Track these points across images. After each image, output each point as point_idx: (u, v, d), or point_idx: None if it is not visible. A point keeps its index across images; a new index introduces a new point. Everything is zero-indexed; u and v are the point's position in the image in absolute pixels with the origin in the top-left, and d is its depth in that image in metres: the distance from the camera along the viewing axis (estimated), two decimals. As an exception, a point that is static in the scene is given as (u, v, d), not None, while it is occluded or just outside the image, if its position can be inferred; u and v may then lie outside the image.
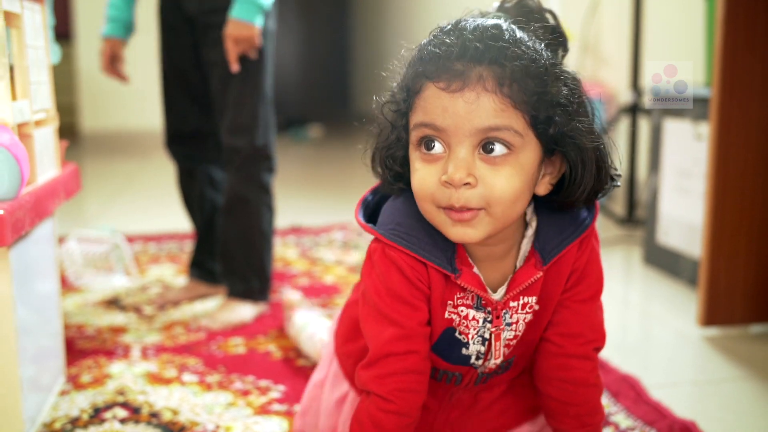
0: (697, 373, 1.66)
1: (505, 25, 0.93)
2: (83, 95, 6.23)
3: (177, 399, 1.47)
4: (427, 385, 1.04)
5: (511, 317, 1.05)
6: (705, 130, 2.13)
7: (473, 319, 1.03)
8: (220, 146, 1.96)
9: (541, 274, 1.02)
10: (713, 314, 1.86)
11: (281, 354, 1.69)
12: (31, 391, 1.32)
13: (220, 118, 1.90)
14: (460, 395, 1.15)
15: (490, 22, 0.94)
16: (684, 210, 2.28)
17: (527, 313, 1.05)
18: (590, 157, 0.95)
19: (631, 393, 1.49)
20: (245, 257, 1.94)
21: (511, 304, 1.04)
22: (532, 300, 1.04)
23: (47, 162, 1.40)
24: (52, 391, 1.47)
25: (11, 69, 1.23)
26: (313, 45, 8.44)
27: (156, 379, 1.56)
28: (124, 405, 1.44)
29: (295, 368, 1.61)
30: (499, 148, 0.91)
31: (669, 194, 2.36)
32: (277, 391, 1.50)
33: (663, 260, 2.39)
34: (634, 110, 2.88)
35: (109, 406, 1.43)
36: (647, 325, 1.97)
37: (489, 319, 1.04)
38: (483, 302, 1.03)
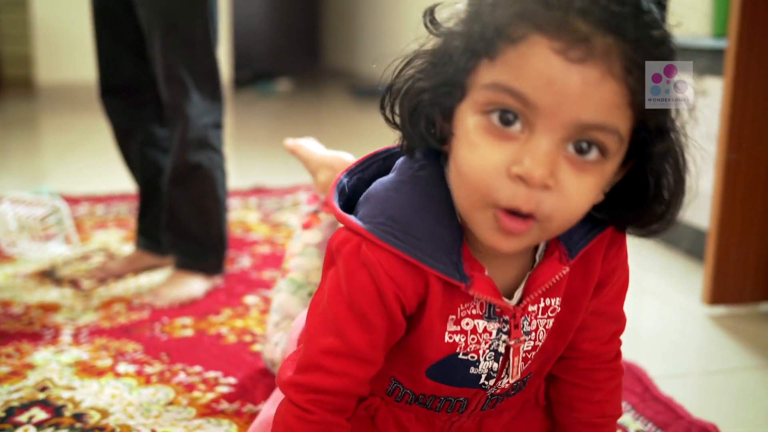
0: (708, 362, 1.47)
1: None
2: (39, 45, 5.91)
3: (108, 396, 1.24)
4: (355, 405, 0.83)
5: (530, 324, 0.83)
6: (712, 85, 1.92)
7: (484, 331, 0.81)
8: (160, 100, 1.70)
9: (568, 269, 0.80)
10: (721, 292, 1.66)
11: (234, 338, 1.47)
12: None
13: (154, 68, 1.65)
14: (461, 423, 0.92)
15: None
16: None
17: (549, 317, 0.84)
18: (672, 182, 0.75)
19: (638, 387, 1.30)
20: (198, 227, 1.72)
21: (530, 308, 0.82)
22: (555, 302, 0.83)
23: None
24: (-39, 385, 1.24)
25: None
26: (282, -6, 8.10)
27: (86, 370, 1.33)
28: (44, 404, 1.21)
29: (250, 356, 1.39)
30: (594, 152, 0.69)
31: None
32: (226, 384, 1.28)
33: (659, 228, 2.18)
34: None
35: (25, 407, 1.20)
36: (645, 302, 1.77)
37: (505, 330, 0.82)
38: (497, 310, 0.81)
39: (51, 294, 1.69)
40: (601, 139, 0.68)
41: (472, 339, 0.81)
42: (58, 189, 2.17)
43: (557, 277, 0.80)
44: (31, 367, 1.34)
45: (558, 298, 0.83)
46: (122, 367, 1.34)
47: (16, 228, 2.03)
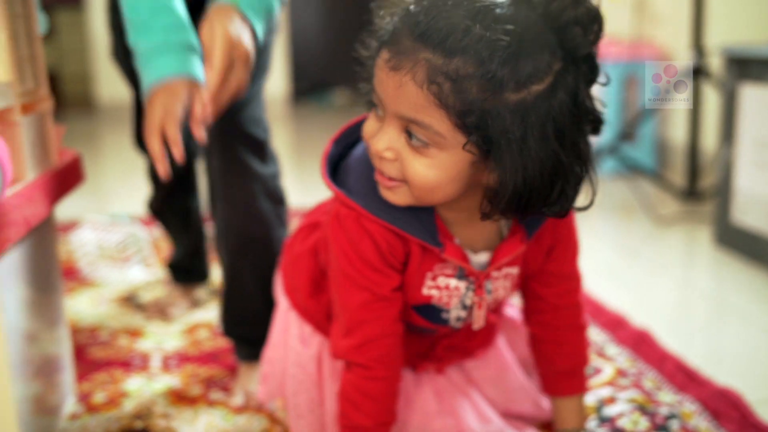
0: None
1: (489, 4, 0.83)
2: (99, 63, 6.02)
3: (203, 424, 1.26)
4: (403, 343, 1.06)
5: (492, 285, 1.06)
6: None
7: (455, 288, 1.04)
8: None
9: (525, 247, 1.03)
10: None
11: (320, 363, 1.47)
12: (32, 415, 1.11)
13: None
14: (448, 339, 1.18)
15: None
16: (765, 186, 2.03)
17: (508, 280, 1.08)
18: (527, 175, 0.86)
19: (735, 413, 1.26)
20: (265, 303, 1.38)
21: (494, 274, 1.05)
22: (514, 270, 1.07)
23: (40, 153, 1.18)
24: (61, 414, 1.27)
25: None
26: (337, 2, 8.14)
27: (179, 398, 1.35)
28: (142, 433, 1.23)
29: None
30: (419, 140, 0.87)
31: (746, 168, 2.10)
32: (318, 413, 1.29)
33: (739, 242, 2.13)
34: (696, 74, 2.61)
35: (124, 435, 1.22)
36: (729, 320, 1.73)
37: (471, 288, 1.05)
38: (466, 272, 1.03)
39: (135, 320, 1.72)
40: (419, 130, 0.86)
41: (445, 293, 1.04)
42: (124, 210, 2.19)
43: (517, 253, 1.03)
44: (125, 395, 1.36)
45: (517, 267, 1.07)
46: (214, 395, 1.35)
47: (97, 253, 2.07)
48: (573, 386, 1.16)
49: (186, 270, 1.80)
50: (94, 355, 1.53)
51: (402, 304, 1.04)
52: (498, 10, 0.83)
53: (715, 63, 2.65)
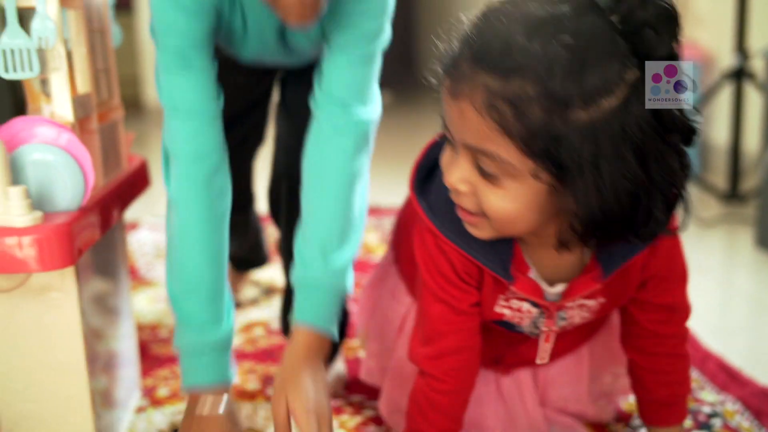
0: None
1: (547, 16, 0.77)
2: (147, 65, 6.14)
3: (261, 419, 1.32)
4: (479, 359, 1.06)
5: (566, 313, 1.03)
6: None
7: (527, 311, 1.02)
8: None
9: (599, 286, 0.98)
10: None
11: (371, 361, 1.53)
12: (104, 408, 1.18)
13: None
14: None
15: (541, 9, 0.79)
16: (809, 189, 2.04)
17: (586, 310, 1.03)
18: (611, 200, 0.80)
19: (778, 412, 1.30)
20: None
21: (568, 304, 1.01)
22: (593, 302, 1.02)
23: (113, 159, 1.25)
24: (128, 407, 1.34)
25: (69, 57, 1.08)
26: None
27: (238, 393, 1.41)
28: (205, 426, 1.30)
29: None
30: (491, 170, 0.83)
31: (790, 171, 2.12)
32: (371, 408, 1.34)
33: (782, 244, 2.15)
34: (739, 76, 2.62)
35: (188, 427, 1.29)
36: (774, 321, 1.76)
37: (543, 314, 1.02)
38: (537, 303, 1.01)
39: (192, 317, 1.79)
40: (487, 161, 0.81)
41: (517, 315, 1.03)
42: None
43: (590, 291, 0.98)
44: (187, 389, 1.43)
45: (595, 300, 1.01)
46: (271, 390, 1.42)
47: (154, 253, 2.15)
48: (670, 416, 1.11)
49: (246, 260, 1.88)
50: (156, 352, 1.60)
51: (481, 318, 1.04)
52: (557, 21, 0.77)
53: (758, 65, 2.66)
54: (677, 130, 0.80)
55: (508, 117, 0.77)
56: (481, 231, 0.89)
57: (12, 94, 2.48)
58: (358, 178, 1.14)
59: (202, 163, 1.10)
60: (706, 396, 1.36)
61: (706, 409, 1.31)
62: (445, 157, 0.89)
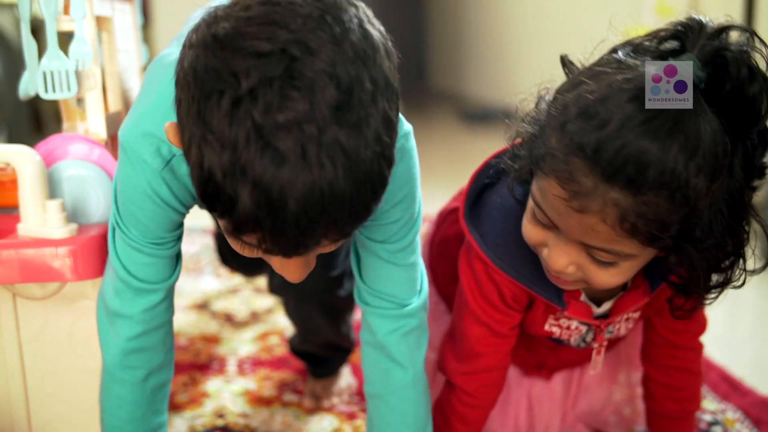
0: None
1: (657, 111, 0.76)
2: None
3: (278, 423, 1.37)
4: (503, 379, 1.10)
5: (613, 327, 1.07)
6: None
7: (576, 329, 1.06)
8: None
9: (648, 299, 1.02)
10: None
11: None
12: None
13: None
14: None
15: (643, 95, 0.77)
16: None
17: (629, 322, 1.08)
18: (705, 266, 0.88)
19: (777, 421, 1.34)
20: (336, 335, 1.43)
21: (615, 319, 1.05)
22: (636, 314, 1.07)
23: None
24: (149, 411, 1.39)
25: (102, 76, 1.14)
26: (386, 14, 8.23)
27: (255, 399, 1.47)
28: (224, 429, 1.35)
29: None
30: (604, 259, 0.86)
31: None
32: (384, 414, 1.40)
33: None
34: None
35: (208, 431, 1.35)
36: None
37: (592, 330, 1.06)
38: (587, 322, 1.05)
39: (210, 326, 1.85)
40: (605, 254, 0.84)
41: (566, 332, 1.07)
42: (198, 223, 2.32)
43: (639, 305, 1.03)
44: (206, 395, 1.48)
45: (639, 312, 1.07)
46: (287, 397, 1.47)
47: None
48: (677, 431, 1.15)
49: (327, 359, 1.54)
50: (176, 359, 1.65)
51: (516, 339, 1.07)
52: (675, 122, 0.76)
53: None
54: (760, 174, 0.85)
55: (639, 227, 0.79)
56: (572, 287, 0.95)
57: (32, 113, 2.55)
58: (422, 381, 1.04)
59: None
60: (708, 404, 1.40)
61: (708, 417, 1.36)
62: (536, 234, 0.90)
